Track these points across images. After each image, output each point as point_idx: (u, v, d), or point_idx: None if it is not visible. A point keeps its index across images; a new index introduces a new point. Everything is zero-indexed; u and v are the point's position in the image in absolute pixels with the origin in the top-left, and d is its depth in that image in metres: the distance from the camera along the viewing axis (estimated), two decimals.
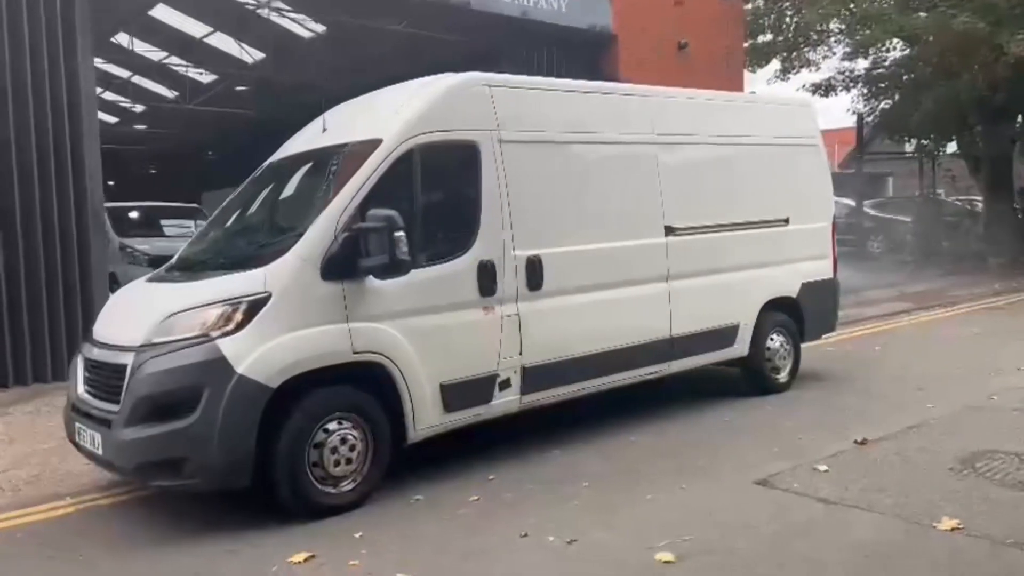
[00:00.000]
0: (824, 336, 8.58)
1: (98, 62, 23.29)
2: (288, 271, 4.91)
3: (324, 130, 6.10)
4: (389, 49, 15.49)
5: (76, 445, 5.31)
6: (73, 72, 8.83)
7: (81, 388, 5.30)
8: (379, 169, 5.25)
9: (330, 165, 5.73)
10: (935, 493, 4.87)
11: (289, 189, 6.04)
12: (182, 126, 26.06)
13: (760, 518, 4.65)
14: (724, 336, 7.23)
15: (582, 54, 13.63)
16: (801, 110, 8.31)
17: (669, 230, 6.77)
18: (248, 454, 4.67)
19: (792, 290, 7.82)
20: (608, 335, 6.33)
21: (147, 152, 31.32)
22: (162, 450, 4.64)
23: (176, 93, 22.89)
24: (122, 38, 20.78)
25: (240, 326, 4.73)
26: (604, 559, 4.20)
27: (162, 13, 18.47)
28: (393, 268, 4.99)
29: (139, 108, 25.12)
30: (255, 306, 4.77)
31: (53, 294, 8.75)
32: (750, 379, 7.63)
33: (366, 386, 5.14)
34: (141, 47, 21.21)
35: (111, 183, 17.43)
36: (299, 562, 4.27)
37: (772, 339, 7.68)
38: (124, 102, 25.19)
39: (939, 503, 4.71)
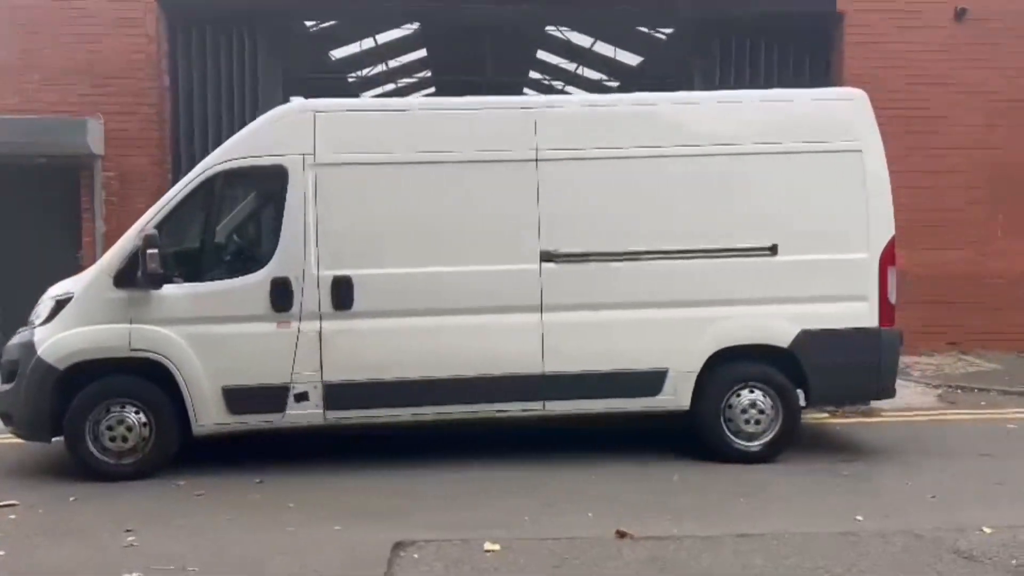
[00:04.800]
0: (872, 403, 6.45)
1: (537, 76, 26.41)
2: (88, 278, 6.09)
3: None
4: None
5: None
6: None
7: None
8: (180, 194, 6.05)
9: None
10: None
11: None
12: None
13: (296, 569, 4.36)
14: (640, 382, 6.12)
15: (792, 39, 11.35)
16: (840, 106, 6.31)
17: (548, 256, 6.06)
18: (45, 418, 5.96)
19: (779, 337, 6.15)
20: (444, 363, 6.04)
21: None
22: (2, 404, 6.20)
23: None
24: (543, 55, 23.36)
25: (49, 318, 6.04)
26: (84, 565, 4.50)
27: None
28: (147, 281, 5.78)
29: None
30: (60, 303, 6.04)
31: None
32: (698, 440, 6.26)
33: (154, 379, 6.00)
34: (558, 60, 23.61)
35: None
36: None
37: (739, 395, 6.19)
38: None
39: None
